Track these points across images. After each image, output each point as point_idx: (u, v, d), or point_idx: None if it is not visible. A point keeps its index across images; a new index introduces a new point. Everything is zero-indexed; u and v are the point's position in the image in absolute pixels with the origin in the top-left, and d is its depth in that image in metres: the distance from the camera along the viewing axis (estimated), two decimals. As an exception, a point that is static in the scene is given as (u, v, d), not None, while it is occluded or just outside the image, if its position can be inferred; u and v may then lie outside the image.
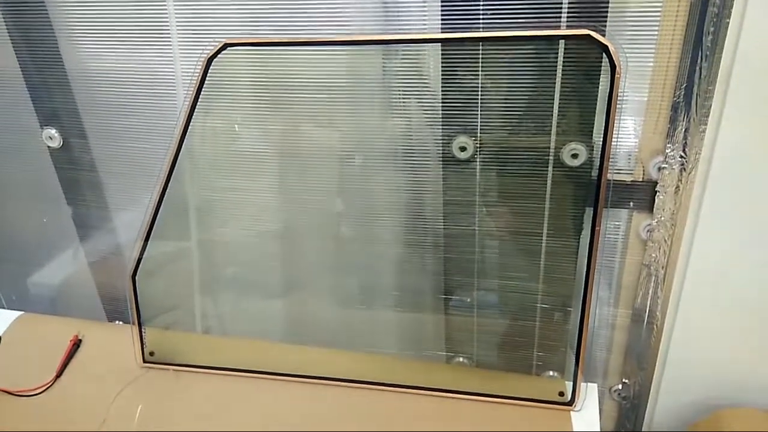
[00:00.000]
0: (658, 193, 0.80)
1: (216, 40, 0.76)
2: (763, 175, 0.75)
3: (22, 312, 1.07)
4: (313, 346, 0.98)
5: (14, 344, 1.00)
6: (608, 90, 0.68)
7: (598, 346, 0.94)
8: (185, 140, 0.82)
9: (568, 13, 0.71)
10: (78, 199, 1.06)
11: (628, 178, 0.81)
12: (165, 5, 0.84)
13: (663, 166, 0.78)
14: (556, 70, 0.74)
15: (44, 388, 0.91)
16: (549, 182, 0.80)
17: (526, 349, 0.92)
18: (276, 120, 0.88)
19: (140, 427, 0.84)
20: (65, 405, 0.88)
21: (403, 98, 0.83)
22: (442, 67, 0.78)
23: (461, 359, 0.97)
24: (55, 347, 0.97)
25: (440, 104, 0.80)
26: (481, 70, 0.76)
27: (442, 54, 0.77)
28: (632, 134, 0.78)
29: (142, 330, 0.93)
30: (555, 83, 0.75)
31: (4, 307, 1.19)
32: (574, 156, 0.77)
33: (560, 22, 0.72)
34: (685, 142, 0.76)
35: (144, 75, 0.91)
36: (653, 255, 0.84)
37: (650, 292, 0.87)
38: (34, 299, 1.19)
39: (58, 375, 0.93)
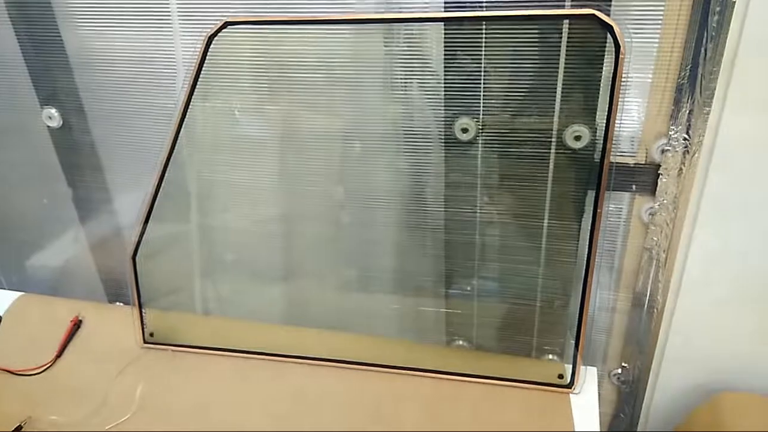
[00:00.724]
0: (660, 176, 0.80)
1: (217, 19, 0.76)
2: (766, 158, 0.74)
3: (23, 293, 1.07)
4: (313, 328, 0.98)
5: (15, 324, 1.00)
6: (612, 71, 0.68)
7: (598, 330, 0.94)
8: (185, 122, 0.82)
9: (573, -8, 0.70)
10: (78, 181, 1.06)
11: (630, 161, 0.81)
12: (165, -17, 0.83)
13: (666, 148, 0.78)
14: (559, 51, 0.73)
15: (45, 367, 0.91)
16: (551, 164, 0.80)
17: (526, 332, 0.92)
18: (277, 102, 0.88)
19: (140, 407, 0.84)
20: (66, 385, 0.89)
21: (405, 79, 0.82)
22: (444, 47, 0.77)
23: (461, 342, 0.97)
24: (55, 328, 0.97)
25: (443, 85, 0.80)
26: (484, 51, 0.76)
27: (445, 34, 0.77)
28: (636, 116, 0.78)
29: (143, 311, 0.93)
30: (559, 64, 0.74)
31: (4, 288, 1.19)
32: (577, 138, 0.77)
33: (565, 1, 0.71)
34: (689, 125, 0.76)
35: (144, 54, 0.90)
36: (655, 238, 0.84)
37: (651, 276, 0.87)
38: (35, 280, 1.19)
39: (59, 355, 0.93)
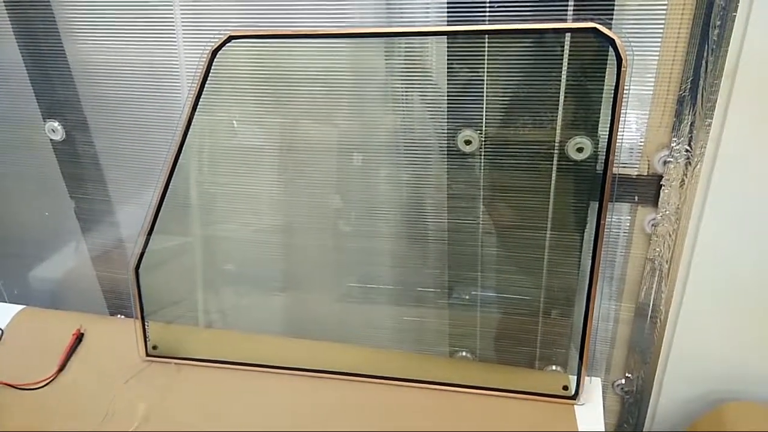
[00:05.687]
0: (663, 187, 0.80)
1: (220, 32, 0.76)
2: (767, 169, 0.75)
3: (24, 306, 1.07)
4: (315, 340, 0.98)
5: (16, 338, 1.00)
6: (614, 83, 0.68)
7: (602, 341, 0.94)
8: (189, 134, 0.82)
9: (574, 5, 0.71)
10: (80, 193, 1.05)
11: (633, 172, 0.81)
12: (170, -3, 0.84)
13: (668, 159, 0.78)
14: (562, 64, 0.74)
15: (47, 381, 0.91)
16: (554, 176, 0.80)
17: (529, 343, 0.92)
18: (281, 114, 0.88)
19: (143, 420, 0.84)
20: (68, 398, 0.88)
21: (406, 92, 0.82)
22: (447, 60, 0.78)
23: (464, 353, 0.97)
24: (57, 341, 0.96)
25: (446, 98, 0.80)
26: (487, 63, 0.76)
27: (448, 47, 0.77)
28: (637, 128, 0.78)
29: (145, 323, 0.93)
30: (561, 77, 0.74)
31: (6, 301, 1.19)
32: (580, 150, 0.77)
33: (567, 15, 0.72)
34: (691, 136, 0.76)
35: (148, 68, 0.90)
36: (657, 249, 0.84)
37: (654, 286, 0.87)
38: (37, 293, 1.19)
39: (61, 368, 0.93)
